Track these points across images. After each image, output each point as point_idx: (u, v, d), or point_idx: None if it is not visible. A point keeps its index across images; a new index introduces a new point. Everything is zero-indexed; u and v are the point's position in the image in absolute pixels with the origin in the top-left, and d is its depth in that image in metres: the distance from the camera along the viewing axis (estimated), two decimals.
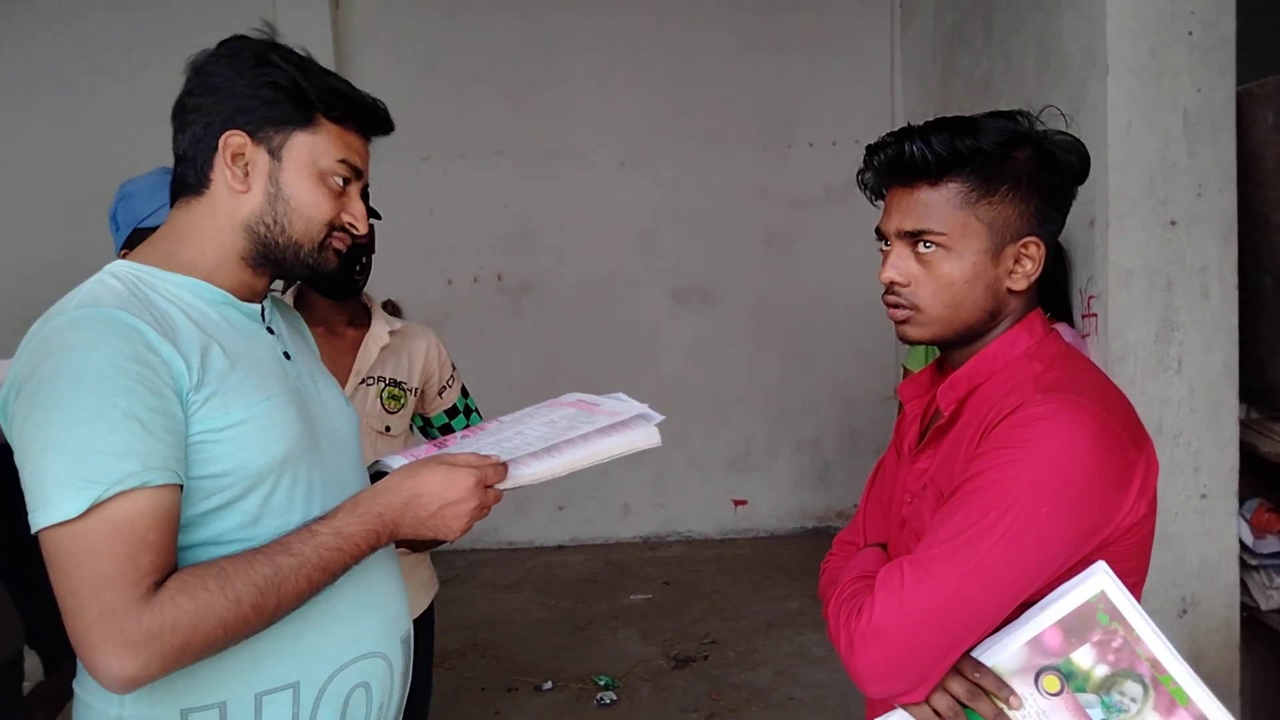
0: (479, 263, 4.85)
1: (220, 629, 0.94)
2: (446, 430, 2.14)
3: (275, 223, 1.09)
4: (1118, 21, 2.26)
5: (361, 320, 1.97)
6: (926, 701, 1.00)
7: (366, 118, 1.13)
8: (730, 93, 4.77)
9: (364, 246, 1.89)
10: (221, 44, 1.10)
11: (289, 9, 4.29)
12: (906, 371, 3.29)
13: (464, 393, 2.17)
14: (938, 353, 1.24)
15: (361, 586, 1.13)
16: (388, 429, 1.93)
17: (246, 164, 1.07)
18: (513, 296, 4.89)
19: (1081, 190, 1.17)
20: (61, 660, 1.25)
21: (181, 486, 0.97)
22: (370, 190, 1.92)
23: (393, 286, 4.41)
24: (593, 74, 4.75)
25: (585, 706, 3.25)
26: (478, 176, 4.75)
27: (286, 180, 1.08)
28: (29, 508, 0.93)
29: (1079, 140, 1.12)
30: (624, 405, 1.25)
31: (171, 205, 1.13)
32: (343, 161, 1.11)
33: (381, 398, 1.94)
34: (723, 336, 4.89)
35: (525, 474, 1.14)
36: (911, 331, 1.14)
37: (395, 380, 1.97)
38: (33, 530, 0.93)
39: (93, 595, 0.90)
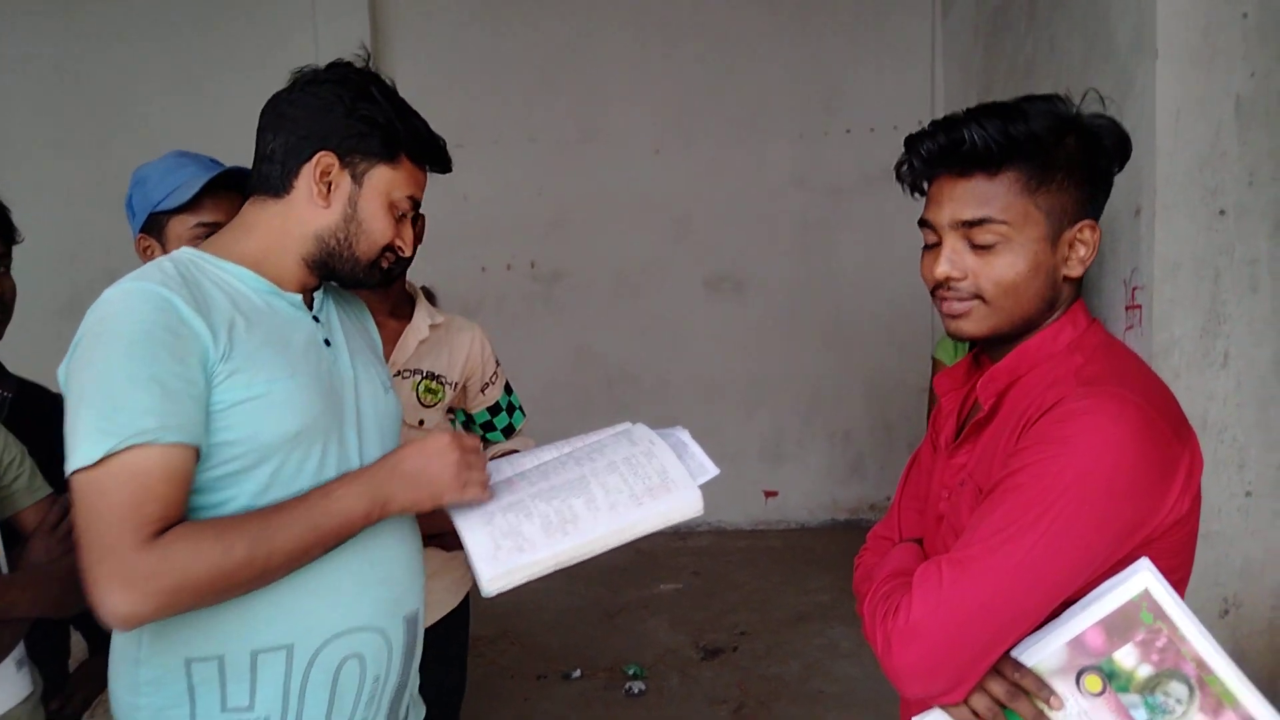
0: (512, 250, 4.85)
1: (212, 576, 1.02)
2: (488, 427, 2.13)
3: (345, 239, 1.21)
4: (1168, 4, 2.18)
5: (404, 311, 1.95)
6: (965, 702, 0.98)
7: (438, 158, 1.29)
8: (766, 78, 4.72)
9: None
10: (330, 66, 1.23)
11: None
12: (936, 363, 3.24)
13: (507, 389, 2.15)
14: (967, 345, 1.21)
15: (365, 561, 1.19)
16: (421, 422, 1.92)
17: (331, 183, 1.19)
18: (545, 283, 4.89)
19: (1128, 178, 1.14)
20: (105, 640, 1.28)
21: (197, 449, 1.06)
22: None
23: (427, 273, 4.41)
24: (627, 60, 4.72)
25: (614, 695, 3.26)
26: (511, 163, 4.75)
27: (363, 205, 1.21)
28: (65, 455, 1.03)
29: (1118, 123, 1.10)
30: (674, 467, 1.21)
31: (245, 198, 1.24)
32: (410, 197, 1.25)
33: (417, 391, 1.93)
34: (755, 325, 4.86)
35: (523, 561, 1.12)
36: (968, 326, 1.10)
37: (433, 374, 1.95)
38: (65, 475, 1.03)
39: (100, 535, 1.00)
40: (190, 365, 1.06)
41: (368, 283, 1.26)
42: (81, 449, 1.00)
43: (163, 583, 0.99)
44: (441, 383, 1.96)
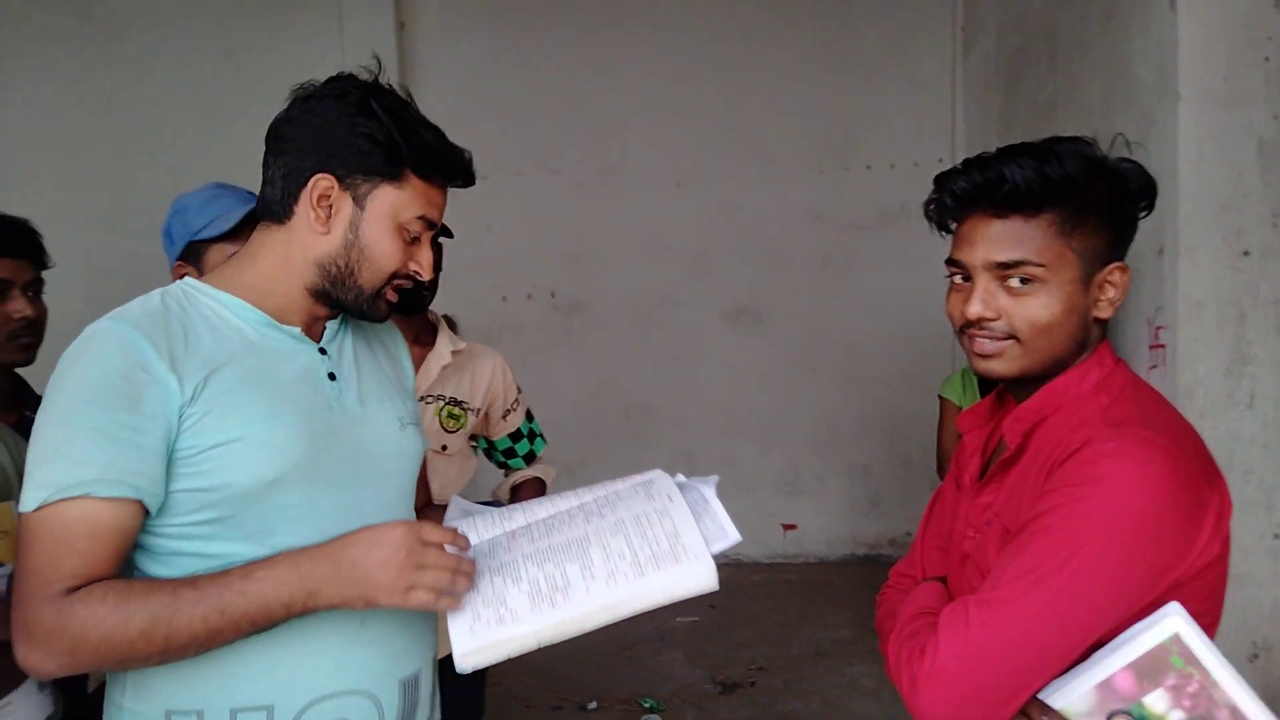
0: (533, 280, 4.89)
1: (106, 644, 0.97)
2: (510, 454, 2.15)
3: (347, 266, 1.13)
4: (1190, 47, 2.20)
5: (426, 338, 1.98)
6: None
7: (452, 172, 1.17)
8: (787, 114, 4.76)
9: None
10: (329, 82, 1.14)
11: (355, 29, 4.39)
12: (943, 402, 3.22)
13: (529, 416, 2.17)
14: (974, 381, 1.21)
15: (354, 620, 1.11)
16: (444, 448, 1.94)
17: (331, 207, 1.11)
18: (565, 314, 4.91)
19: (1151, 218, 1.14)
20: None
21: (141, 502, 1.01)
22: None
23: (449, 302, 4.44)
24: (649, 94, 4.77)
25: None
26: (534, 195, 4.80)
27: (366, 229, 1.12)
28: None
29: (1144, 167, 1.10)
30: (689, 530, 1.07)
31: (255, 224, 1.19)
32: (421, 218, 1.14)
33: (440, 416, 1.95)
34: (773, 359, 4.86)
35: (502, 636, 1.00)
36: (999, 366, 1.09)
37: (456, 399, 1.98)
38: None
39: (19, 583, 0.99)
40: (145, 414, 1.01)
41: (374, 315, 1.18)
42: (26, 495, 0.99)
43: (61, 643, 0.96)
44: (464, 409, 1.98)
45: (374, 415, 1.20)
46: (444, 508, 1.47)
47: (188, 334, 1.08)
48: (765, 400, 4.87)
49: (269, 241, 1.15)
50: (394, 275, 1.15)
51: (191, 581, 1.00)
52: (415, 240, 1.16)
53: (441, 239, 1.93)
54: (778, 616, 4.19)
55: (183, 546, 1.06)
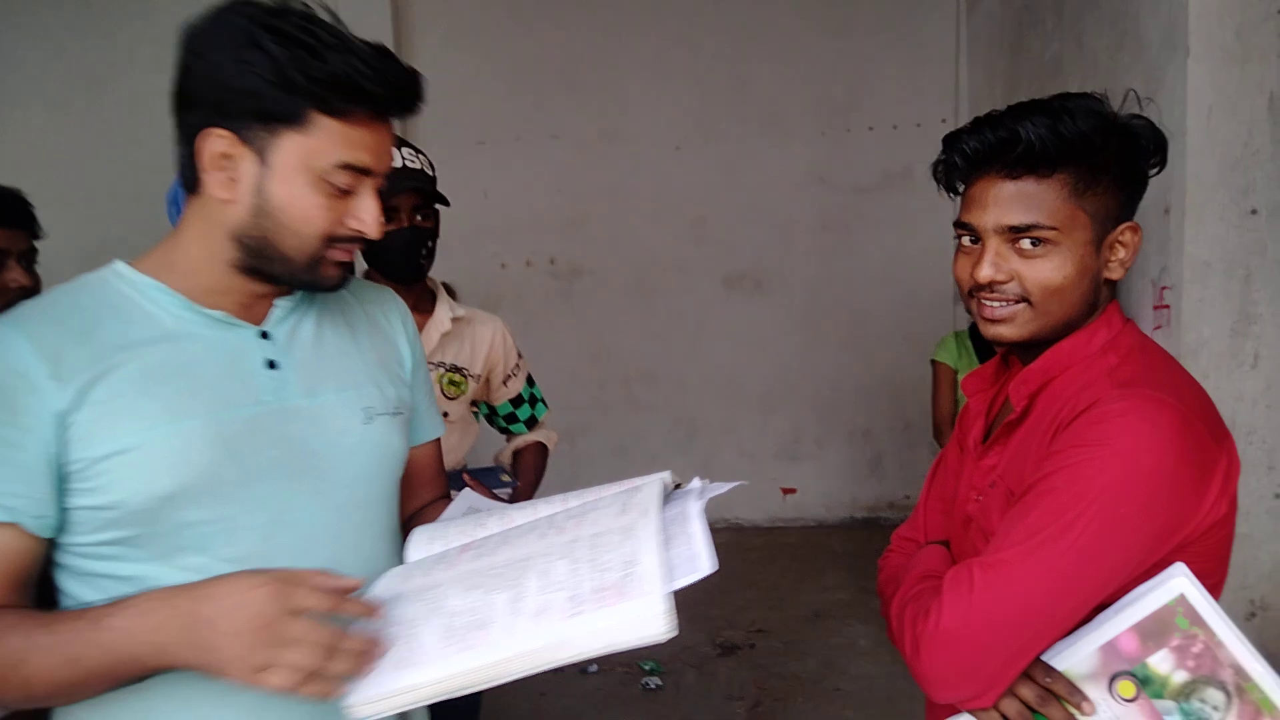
0: (532, 246, 4.85)
1: None
2: (511, 419, 2.14)
3: (262, 236, 0.95)
4: (1201, 2, 2.16)
5: (426, 306, 1.96)
6: (995, 707, 0.97)
7: (379, 100, 0.94)
8: (788, 75, 4.70)
9: (428, 231, 1.89)
10: (214, 12, 0.92)
11: None
12: (936, 365, 3.22)
13: (529, 381, 2.16)
14: (969, 344, 1.19)
15: None
16: (445, 414, 1.93)
17: (235, 168, 0.93)
18: (564, 280, 4.89)
19: (1158, 177, 1.12)
20: None
21: (20, 525, 0.90)
22: (436, 175, 1.93)
23: (447, 270, 4.40)
24: (648, 58, 4.71)
25: (630, 691, 3.26)
26: (532, 160, 4.76)
27: (274, 190, 0.93)
28: None
29: (1155, 124, 1.08)
30: (649, 556, 0.84)
31: None
32: (345, 165, 0.93)
33: (441, 383, 1.94)
34: (774, 324, 4.85)
35: (400, 685, 0.81)
36: (1008, 331, 1.07)
37: (456, 366, 1.96)
38: None
39: None
40: (20, 426, 0.89)
41: (321, 285, 1.00)
42: None
43: None
44: (465, 375, 1.97)
45: (328, 407, 1.02)
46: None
47: (89, 329, 0.93)
48: (766, 365, 4.86)
49: (188, 215, 0.99)
50: (330, 238, 0.96)
51: (49, 623, 0.86)
52: (350, 193, 0.95)
53: (439, 206, 1.91)
54: (777, 579, 4.22)
55: (95, 567, 0.94)
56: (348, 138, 0.93)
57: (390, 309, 1.18)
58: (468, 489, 1.24)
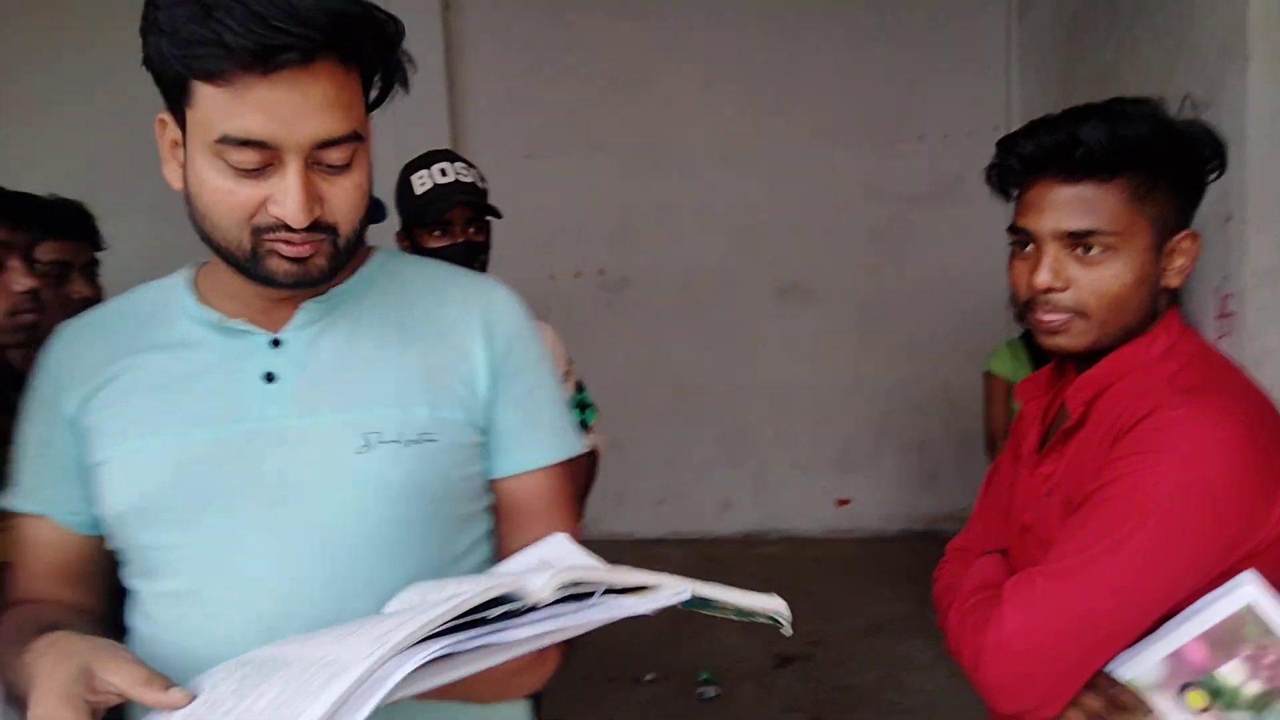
0: (581, 258, 4.90)
1: None
2: None
3: (202, 231, 0.86)
4: (1260, 6, 2.13)
5: None
6: (1058, 718, 0.97)
7: (256, 55, 0.75)
8: (837, 85, 4.69)
9: (481, 245, 1.93)
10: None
11: (399, 10, 4.41)
12: (990, 377, 3.18)
13: (579, 388, 2.20)
14: (1023, 353, 1.18)
15: None
16: None
17: (180, 155, 0.86)
18: (613, 291, 4.92)
19: (1216, 184, 1.10)
20: None
21: (53, 520, 0.94)
22: (487, 188, 1.98)
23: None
24: (696, 68, 4.74)
25: (687, 701, 3.27)
26: (581, 172, 4.80)
27: (190, 176, 0.84)
28: None
29: (1213, 129, 1.06)
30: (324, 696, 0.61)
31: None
32: (224, 139, 0.79)
33: None
34: (826, 334, 4.82)
35: None
36: (1065, 340, 1.06)
37: None
38: None
39: None
40: (51, 424, 0.93)
41: (268, 281, 0.85)
42: None
43: None
44: None
45: (319, 430, 0.88)
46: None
47: (112, 336, 0.94)
48: (818, 377, 4.84)
49: None
50: (255, 229, 0.83)
51: (19, 635, 0.82)
52: (259, 171, 0.80)
53: (489, 219, 1.95)
54: (832, 591, 4.19)
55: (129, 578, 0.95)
56: (228, 105, 0.78)
57: (473, 310, 1.00)
58: (554, 536, 0.91)
